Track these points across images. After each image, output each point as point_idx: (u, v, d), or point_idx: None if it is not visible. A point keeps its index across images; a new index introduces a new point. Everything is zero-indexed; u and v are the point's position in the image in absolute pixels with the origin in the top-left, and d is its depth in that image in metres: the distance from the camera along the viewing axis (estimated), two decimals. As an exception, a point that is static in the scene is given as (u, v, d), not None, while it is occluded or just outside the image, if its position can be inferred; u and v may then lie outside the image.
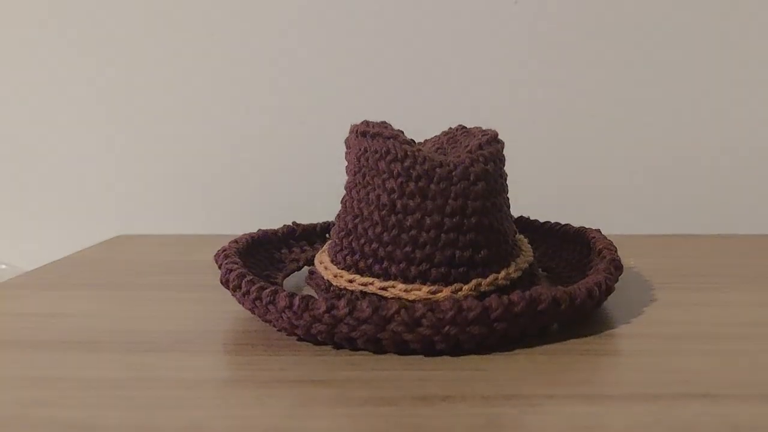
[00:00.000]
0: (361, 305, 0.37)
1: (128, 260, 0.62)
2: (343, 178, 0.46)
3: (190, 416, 0.31)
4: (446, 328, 0.36)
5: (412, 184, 0.40)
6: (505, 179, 0.45)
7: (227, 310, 0.45)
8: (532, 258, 0.46)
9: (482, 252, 0.41)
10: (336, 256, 0.43)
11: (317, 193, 0.69)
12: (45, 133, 0.78)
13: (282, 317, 0.38)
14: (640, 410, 0.31)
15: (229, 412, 0.31)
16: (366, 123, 0.45)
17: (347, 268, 0.42)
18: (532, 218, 0.58)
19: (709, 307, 0.46)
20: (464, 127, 0.49)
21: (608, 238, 0.49)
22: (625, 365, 0.36)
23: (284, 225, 0.55)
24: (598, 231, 0.50)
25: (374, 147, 0.42)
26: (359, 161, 0.43)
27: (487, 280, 0.41)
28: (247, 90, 0.75)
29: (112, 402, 0.33)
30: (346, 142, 0.47)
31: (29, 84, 0.77)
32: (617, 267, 0.43)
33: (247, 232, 0.52)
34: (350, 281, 0.42)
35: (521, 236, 0.48)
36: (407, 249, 0.40)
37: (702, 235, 0.70)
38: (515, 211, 0.50)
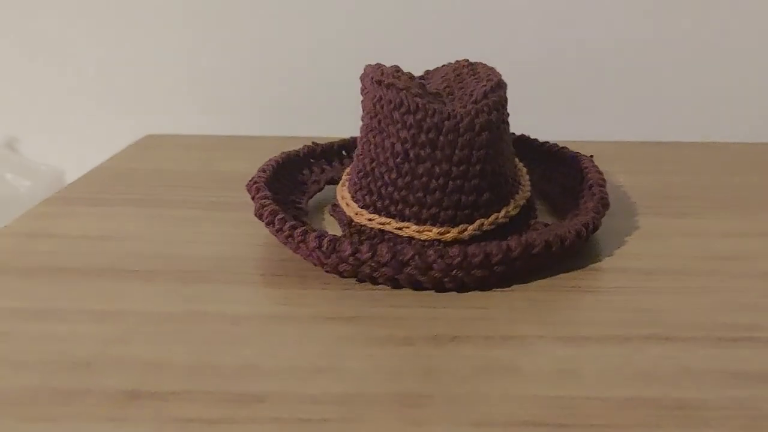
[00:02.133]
0: (381, 250, 0.43)
1: (161, 170, 0.68)
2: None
3: (243, 354, 0.38)
4: (454, 271, 0.43)
5: (423, 136, 0.45)
6: (508, 122, 0.50)
7: (260, 234, 0.51)
8: (530, 192, 0.51)
9: (485, 195, 0.47)
10: (356, 194, 0.49)
11: (335, 97, 0.75)
12: (76, 33, 0.82)
13: (312, 255, 0.44)
14: (612, 352, 0.38)
15: (274, 351, 0.38)
16: (381, 71, 0.49)
17: (366, 207, 0.48)
18: (532, 136, 0.63)
19: (686, 237, 0.52)
20: (470, 63, 0.53)
21: (598, 168, 0.55)
22: (603, 304, 0.43)
23: (304, 145, 0.60)
24: (591, 159, 0.55)
25: (389, 97, 0.47)
26: (375, 108, 0.48)
27: (489, 219, 0.47)
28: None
29: (174, 338, 0.39)
30: (361, 81, 0.52)
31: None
32: (604, 205, 0.49)
33: (271, 157, 0.58)
34: (369, 220, 0.47)
35: (521, 166, 0.53)
36: (419, 194, 0.46)
37: (688, 143, 0.74)
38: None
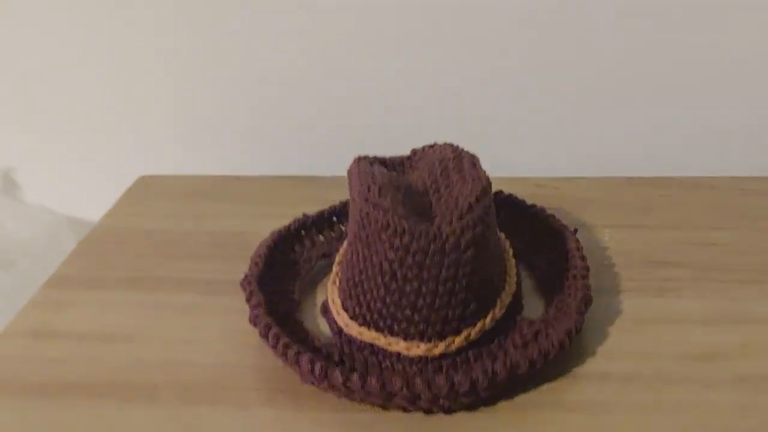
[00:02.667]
0: (371, 381, 0.45)
1: (154, 232, 0.69)
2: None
3: None
4: (441, 401, 0.45)
5: (410, 258, 0.47)
6: (495, 224, 0.51)
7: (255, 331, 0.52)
8: (515, 285, 0.53)
9: (472, 306, 0.48)
10: (345, 302, 0.51)
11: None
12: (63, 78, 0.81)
13: (304, 376, 0.47)
14: None
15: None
16: (367, 185, 0.50)
17: (355, 318, 0.50)
18: (519, 197, 0.64)
19: (666, 325, 0.54)
20: (456, 155, 0.53)
21: (581, 251, 0.56)
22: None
23: (295, 219, 0.61)
24: (576, 239, 0.56)
25: (375, 216, 0.47)
26: (362, 222, 0.49)
27: (476, 329, 0.49)
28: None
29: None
30: (348, 177, 0.52)
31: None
32: (587, 303, 0.51)
33: (261, 242, 0.59)
34: (359, 333, 0.49)
35: (509, 254, 0.55)
36: (407, 312, 0.48)
37: (677, 180, 0.75)
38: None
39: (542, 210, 0.61)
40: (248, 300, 0.52)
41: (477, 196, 0.49)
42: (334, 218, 0.63)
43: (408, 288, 0.47)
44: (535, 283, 0.58)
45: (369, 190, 0.49)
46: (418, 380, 0.45)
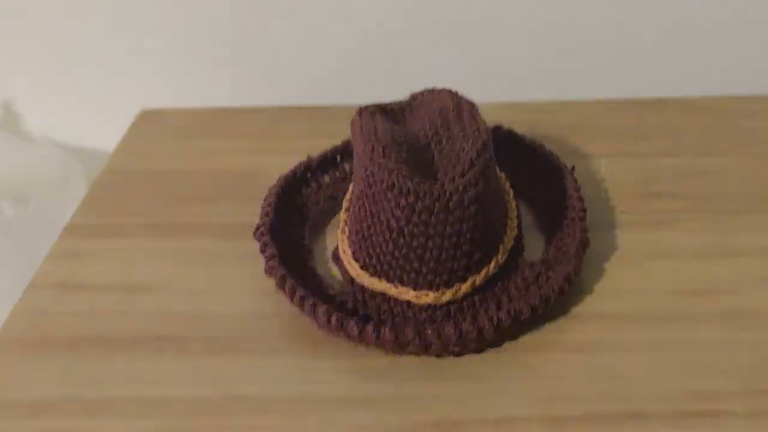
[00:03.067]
0: (384, 332, 0.48)
1: (163, 173, 0.70)
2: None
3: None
4: (450, 348, 0.48)
5: (415, 216, 0.49)
6: (496, 172, 0.53)
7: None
8: (516, 229, 0.55)
9: (476, 255, 0.51)
10: (355, 254, 0.53)
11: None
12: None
13: (321, 326, 0.50)
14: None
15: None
16: (371, 144, 0.51)
17: (365, 268, 0.52)
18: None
19: (660, 261, 0.56)
20: (457, 105, 0.55)
21: (579, 191, 0.58)
22: (583, 370, 0.49)
23: (300, 162, 0.63)
24: (573, 178, 0.58)
25: (381, 176, 0.49)
26: (368, 179, 0.50)
27: (481, 275, 0.52)
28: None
29: None
30: (351, 128, 0.54)
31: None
32: (585, 245, 0.53)
33: (270, 187, 0.61)
34: (371, 283, 0.52)
35: (509, 196, 0.57)
36: (415, 265, 0.50)
37: (672, 101, 0.76)
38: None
39: (541, 146, 0.63)
40: (263, 251, 0.54)
41: (478, 151, 0.50)
42: (338, 158, 0.64)
43: (415, 243, 0.49)
44: (535, 220, 0.60)
45: (373, 150, 0.50)
46: (428, 330, 0.48)
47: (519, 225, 0.56)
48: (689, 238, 0.57)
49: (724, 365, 0.48)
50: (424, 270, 0.50)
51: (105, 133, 0.80)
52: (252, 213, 0.60)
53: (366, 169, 0.50)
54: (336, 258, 0.56)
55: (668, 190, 0.62)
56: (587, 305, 0.52)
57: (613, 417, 0.45)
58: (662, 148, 0.67)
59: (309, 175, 0.63)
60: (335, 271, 0.57)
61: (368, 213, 0.51)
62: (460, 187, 0.48)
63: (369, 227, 0.51)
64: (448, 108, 0.54)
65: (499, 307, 0.50)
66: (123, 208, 0.65)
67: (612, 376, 0.47)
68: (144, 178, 0.69)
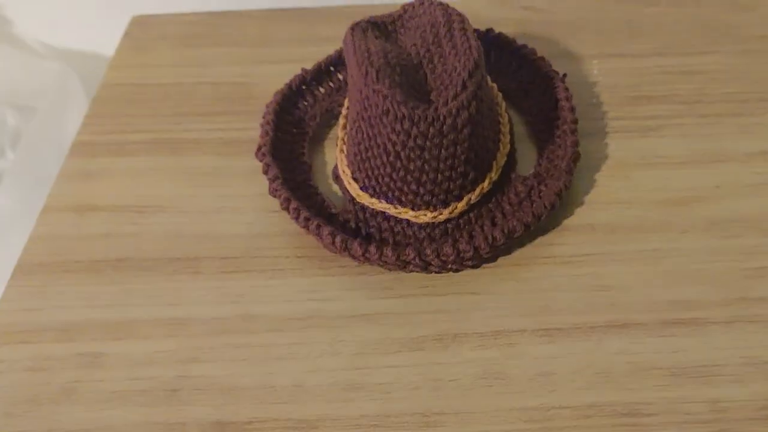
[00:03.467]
0: (386, 252, 0.51)
1: (161, 87, 0.70)
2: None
3: (292, 372, 0.48)
4: (449, 266, 0.51)
5: (411, 141, 0.50)
6: (488, 91, 0.54)
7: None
8: (509, 145, 0.57)
9: (470, 175, 0.53)
10: (355, 174, 0.55)
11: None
12: None
13: (327, 246, 0.52)
14: (579, 349, 0.48)
15: (315, 365, 0.48)
16: (365, 67, 0.51)
17: (365, 189, 0.54)
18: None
19: (647, 170, 0.58)
20: (447, 19, 0.55)
21: (570, 101, 0.59)
22: (572, 281, 0.52)
23: (295, 76, 0.64)
24: (565, 86, 0.59)
25: (375, 101, 0.50)
26: (363, 103, 0.52)
27: (476, 193, 0.54)
28: None
29: (236, 355, 0.50)
30: (344, 46, 0.55)
31: None
32: (576, 160, 0.55)
33: (268, 104, 0.62)
34: (371, 203, 0.54)
35: (502, 109, 0.58)
36: (413, 186, 0.52)
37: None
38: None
39: (532, 52, 0.63)
40: (265, 172, 0.56)
41: (470, 71, 0.51)
42: (332, 68, 0.64)
43: (411, 166, 0.51)
44: (527, 130, 0.61)
45: (367, 75, 0.51)
46: (428, 250, 0.50)
47: (512, 139, 0.58)
48: (676, 145, 0.59)
49: (705, 274, 0.51)
50: (422, 191, 0.52)
51: (97, 39, 0.79)
52: (252, 128, 0.62)
53: (361, 93, 0.51)
54: (336, 177, 0.57)
55: (659, 92, 0.63)
56: (577, 217, 0.55)
57: (601, 326, 0.48)
58: (654, 45, 0.67)
59: (304, 87, 0.63)
60: (336, 188, 0.58)
61: (365, 136, 0.52)
62: (453, 111, 0.49)
63: (366, 150, 0.53)
64: (439, 23, 0.54)
65: (494, 224, 0.53)
66: (125, 124, 0.66)
67: (600, 287, 0.50)
68: (142, 91, 0.69)
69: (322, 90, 0.64)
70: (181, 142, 0.64)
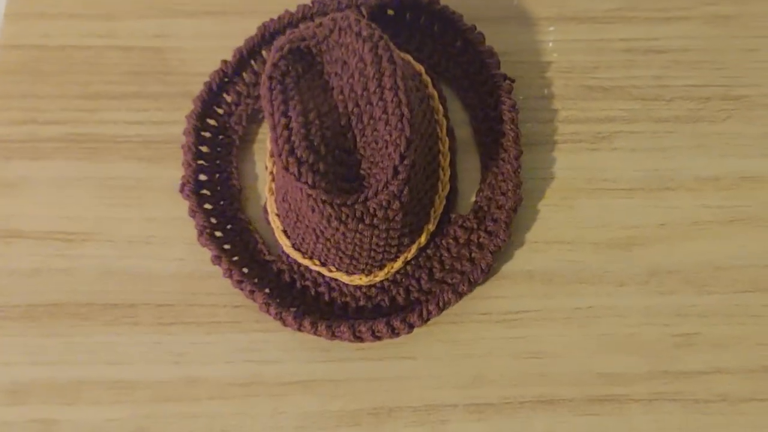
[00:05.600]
0: (321, 329, 0.48)
1: (65, 59, 0.58)
2: None
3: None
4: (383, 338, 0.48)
5: (339, 234, 0.44)
6: (428, 125, 0.48)
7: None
8: (449, 185, 0.50)
9: (406, 240, 0.48)
10: (286, 231, 0.49)
11: None
12: None
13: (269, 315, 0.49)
14: (507, 427, 0.48)
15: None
16: (285, 148, 0.43)
17: (297, 248, 0.49)
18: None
19: (595, 199, 0.52)
20: (378, 66, 0.45)
21: (515, 122, 0.50)
22: (505, 345, 0.49)
23: (213, 71, 0.53)
24: (510, 96, 0.50)
25: (299, 191, 0.43)
26: (288, 184, 0.44)
27: (412, 251, 0.49)
28: None
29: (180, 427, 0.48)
30: (262, 99, 0.46)
31: None
32: (516, 206, 0.49)
33: (188, 116, 0.53)
34: (304, 260, 0.49)
35: (443, 144, 0.50)
36: (345, 260, 0.47)
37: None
38: None
39: (479, 38, 0.52)
40: (192, 216, 0.49)
41: (401, 153, 0.43)
42: (252, 62, 0.53)
43: (342, 247, 0.45)
44: (470, 132, 0.53)
45: (288, 166, 0.42)
46: (362, 327, 0.47)
47: (452, 171, 0.50)
48: (625, 162, 0.52)
49: (635, 341, 0.48)
50: (354, 263, 0.47)
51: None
52: (172, 121, 0.54)
53: (284, 176, 0.43)
54: (266, 213, 0.50)
55: (615, 81, 0.53)
56: (516, 262, 0.51)
57: (530, 402, 0.47)
58: (618, 5, 0.55)
59: (226, 81, 0.53)
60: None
61: (292, 209, 0.46)
62: (384, 203, 0.43)
63: (295, 220, 0.47)
64: (368, 73, 0.44)
65: (431, 277, 0.49)
66: (34, 109, 0.56)
67: (533, 353, 0.49)
68: (44, 58, 0.57)
69: (242, 87, 0.53)
70: (99, 140, 0.55)
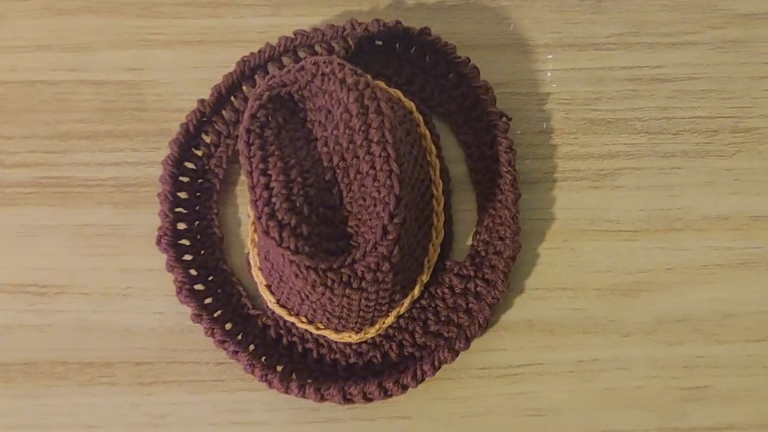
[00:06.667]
0: (309, 392, 0.43)
1: (31, 93, 0.52)
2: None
3: None
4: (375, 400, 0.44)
5: (325, 299, 0.40)
6: (420, 170, 0.44)
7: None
8: (443, 232, 0.45)
9: (397, 296, 0.43)
10: (271, 288, 0.45)
11: None
12: None
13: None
14: None
15: None
16: (266, 207, 0.38)
17: (282, 306, 0.45)
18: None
19: (599, 242, 0.47)
20: (364, 119, 0.40)
21: (512, 164, 0.46)
22: (505, 402, 0.45)
23: (190, 112, 0.48)
24: (507, 138, 0.46)
25: (280, 258, 0.39)
26: (268, 246, 0.40)
27: (404, 306, 0.45)
28: None
29: None
30: (240, 154, 0.41)
31: None
32: (515, 255, 0.45)
33: (164, 160, 0.48)
34: (290, 317, 0.45)
35: (436, 173, 0.46)
36: (333, 321, 0.43)
37: None
38: None
39: (473, 72, 0.47)
40: (169, 270, 0.44)
41: (391, 212, 0.39)
42: (232, 98, 0.48)
43: (329, 309, 0.41)
44: (466, 170, 0.48)
45: (269, 231, 0.37)
46: (353, 389, 0.43)
47: (447, 215, 0.46)
48: (630, 201, 0.47)
49: (641, 395, 0.45)
50: (343, 323, 0.42)
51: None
52: (148, 162, 0.49)
53: (265, 245, 0.38)
54: (250, 269, 0.46)
55: (618, 114, 0.49)
56: (516, 310, 0.47)
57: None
58: (618, 32, 0.50)
59: (204, 120, 0.48)
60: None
61: (274, 268, 0.41)
62: (372, 266, 0.39)
63: (279, 281, 0.42)
64: (354, 125, 0.39)
65: (425, 330, 0.45)
66: (1, 147, 0.51)
67: (534, 411, 0.45)
68: (10, 95, 0.52)
69: (221, 125, 0.48)
70: (71, 184, 0.50)
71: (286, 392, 0.44)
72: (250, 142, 0.40)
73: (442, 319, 0.45)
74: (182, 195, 0.48)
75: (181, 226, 0.47)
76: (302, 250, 0.38)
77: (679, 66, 0.49)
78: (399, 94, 0.47)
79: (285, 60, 0.49)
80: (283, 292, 0.44)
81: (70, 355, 0.47)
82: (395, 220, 0.39)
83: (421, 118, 0.46)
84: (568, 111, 0.49)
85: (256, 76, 0.48)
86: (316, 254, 0.38)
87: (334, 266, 0.39)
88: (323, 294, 0.39)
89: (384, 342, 0.45)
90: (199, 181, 0.49)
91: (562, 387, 0.45)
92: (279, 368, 0.44)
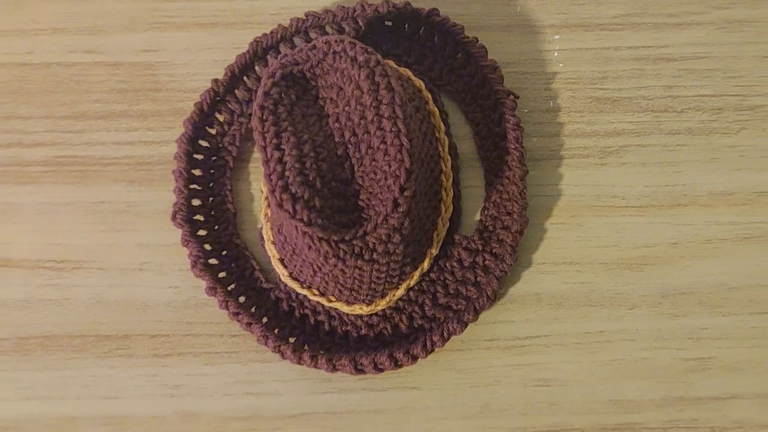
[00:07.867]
0: (321, 362, 0.44)
1: (47, 74, 0.52)
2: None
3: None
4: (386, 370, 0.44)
5: (338, 270, 0.40)
6: (429, 145, 0.44)
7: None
8: (452, 207, 0.45)
9: (407, 268, 0.43)
10: (283, 261, 0.45)
11: None
12: None
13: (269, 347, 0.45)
14: None
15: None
16: (280, 181, 0.38)
17: (295, 278, 0.45)
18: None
19: (605, 217, 0.47)
20: (375, 95, 0.40)
21: (520, 139, 0.46)
22: (512, 373, 0.45)
23: (204, 91, 0.48)
24: (514, 115, 0.46)
25: (295, 228, 0.39)
26: (282, 219, 0.40)
27: (414, 278, 0.45)
28: None
29: None
30: (254, 131, 0.41)
31: None
32: (522, 230, 0.44)
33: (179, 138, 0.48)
34: (302, 290, 0.45)
35: (446, 172, 0.46)
36: (345, 292, 0.43)
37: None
38: None
39: (481, 52, 0.47)
40: (185, 245, 0.44)
41: (401, 185, 0.39)
42: (245, 78, 0.48)
43: (341, 281, 0.41)
44: (474, 147, 0.49)
45: (282, 203, 0.37)
46: (364, 359, 0.43)
47: (456, 192, 0.45)
48: (635, 177, 0.47)
49: (648, 366, 0.45)
50: (355, 294, 0.42)
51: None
52: (163, 141, 0.49)
53: (280, 218, 0.38)
54: (262, 240, 0.45)
55: (623, 93, 0.49)
56: (524, 284, 0.47)
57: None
58: (624, 12, 0.50)
59: (218, 99, 0.47)
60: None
61: (288, 242, 0.41)
62: (384, 237, 0.39)
63: (292, 252, 0.42)
64: (365, 101, 0.39)
65: (435, 302, 0.45)
66: (18, 131, 0.51)
67: (541, 381, 0.45)
68: (28, 77, 0.52)
69: (235, 104, 0.48)
70: (88, 163, 0.50)
71: (299, 363, 0.44)
72: (264, 118, 0.40)
73: (451, 291, 0.45)
74: (196, 172, 0.48)
75: (196, 202, 0.47)
76: (315, 222, 0.38)
77: (684, 45, 0.49)
78: (408, 72, 0.47)
79: (296, 41, 0.48)
80: (295, 266, 0.43)
81: (88, 328, 0.47)
82: (405, 193, 0.39)
83: (430, 96, 0.46)
84: (575, 90, 0.49)
85: (269, 57, 0.48)
86: (328, 226, 0.38)
87: (346, 238, 0.39)
88: (335, 266, 0.39)
89: (394, 314, 0.45)
90: (213, 158, 0.48)
91: (568, 358, 0.45)
92: (291, 340, 0.44)
